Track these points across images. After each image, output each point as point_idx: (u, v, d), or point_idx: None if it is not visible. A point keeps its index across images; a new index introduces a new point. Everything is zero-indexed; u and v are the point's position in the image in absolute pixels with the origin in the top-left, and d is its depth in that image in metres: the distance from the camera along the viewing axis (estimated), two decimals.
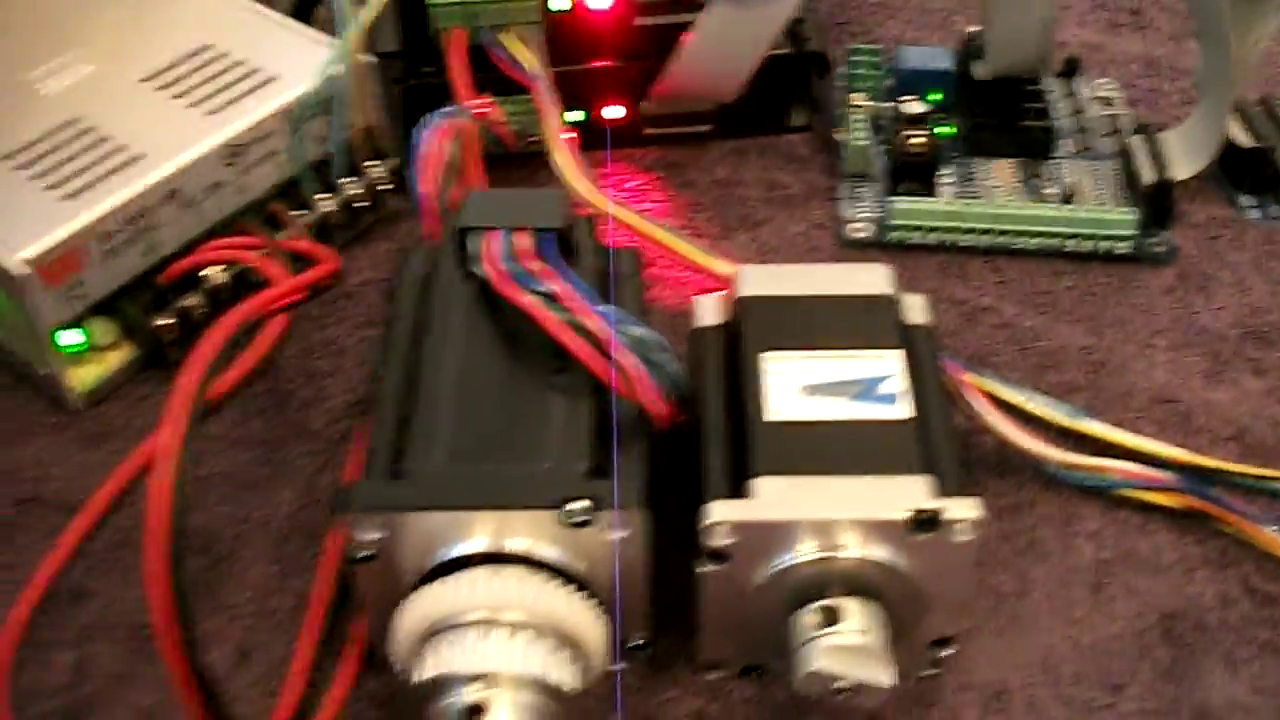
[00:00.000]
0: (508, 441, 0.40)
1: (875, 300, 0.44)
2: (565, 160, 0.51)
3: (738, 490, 0.39)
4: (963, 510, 0.38)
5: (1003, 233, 0.57)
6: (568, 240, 0.44)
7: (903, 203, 0.57)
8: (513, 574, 0.38)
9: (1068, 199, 0.58)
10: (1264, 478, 0.48)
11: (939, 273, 0.57)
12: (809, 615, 0.39)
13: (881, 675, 0.38)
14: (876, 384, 0.41)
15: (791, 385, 0.41)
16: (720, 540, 0.38)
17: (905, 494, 0.39)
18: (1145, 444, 0.49)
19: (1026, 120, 0.61)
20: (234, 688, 0.43)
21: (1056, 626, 0.45)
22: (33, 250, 0.47)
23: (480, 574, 0.38)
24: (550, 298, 0.41)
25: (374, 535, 0.38)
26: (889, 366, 0.42)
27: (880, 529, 0.38)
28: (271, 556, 0.47)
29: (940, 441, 0.41)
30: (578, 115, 0.60)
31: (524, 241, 0.43)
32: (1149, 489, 0.48)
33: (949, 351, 0.48)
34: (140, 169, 0.50)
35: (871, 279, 0.45)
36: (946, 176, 0.60)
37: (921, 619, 0.41)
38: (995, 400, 0.48)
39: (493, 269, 0.43)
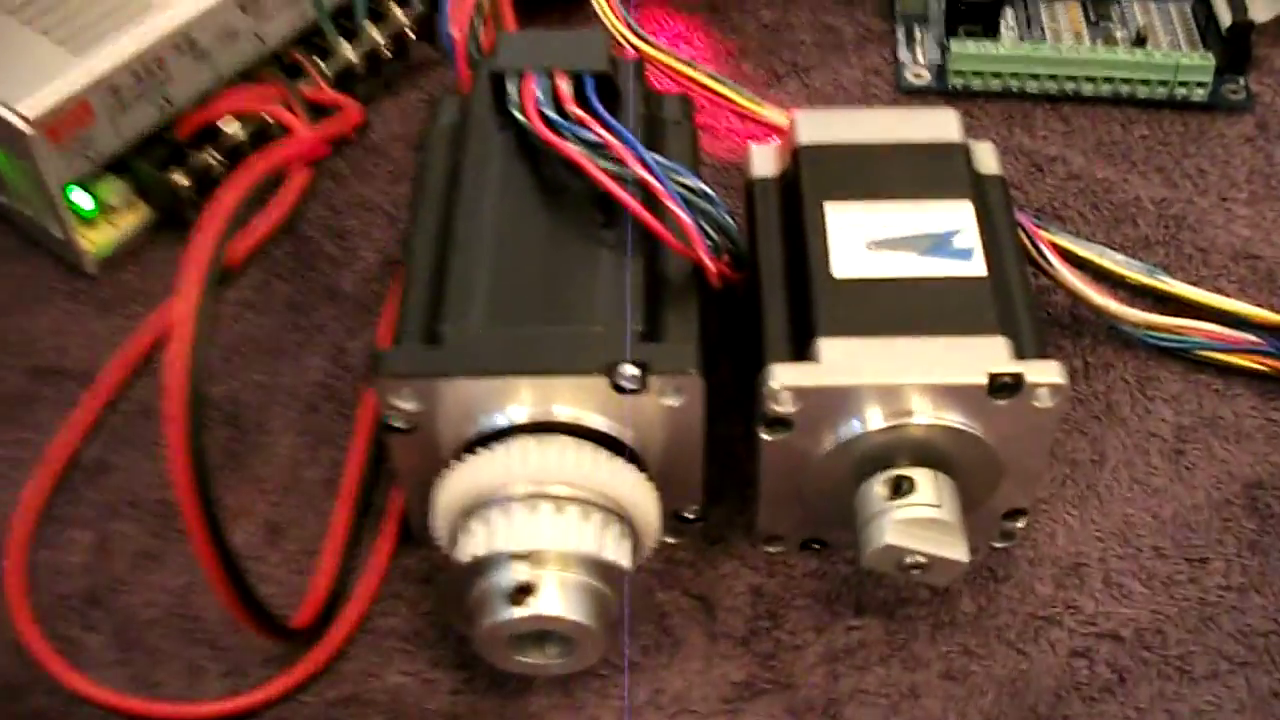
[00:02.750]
0: (551, 302, 0.38)
1: (944, 147, 0.43)
2: (602, 1, 0.49)
3: (801, 353, 0.38)
4: (1045, 374, 0.37)
5: (1070, 78, 0.56)
6: (611, 84, 0.42)
7: (963, 45, 0.56)
8: (559, 444, 0.37)
9: (1139, 42, 0.57)
10: None
11: (1003, 121, 0.55)
12: (878, 486, 0.38)
13: (956, 550, 0.38)
14: (949, 237, 0.40)
15: (857, 238, 0.40)
16: (783, 406, 0.37)
17: (982, 356, 0.37)
18: (1227, 303, 0.48)
19: None
20: (264, 567, 0.42)
21: (1135, 496, 0.44)
22: (38, 106, 0.46)
23: (525, 444, 0.37)
24: (594, 146, 0.39)
25: (408, 405, 0.37)
26: (961, 219, 0.40)
27: (955, 394, 0.37)
28: (301, 427, 0.46)
29: (1018, 300, 0.40)
30: None
31: (564, 85, 0.41)
32: (1231, 351, 0.47)
33: (1017, 204, 0.46)
34: (150, 18, 0.48)
35: (938, 123, 0.44)
36: (1009, 17, 0.58)
37: (994, 490, 0.40)
38: (1067, 256, 0.48)
39: (532, 115, 0.40)
